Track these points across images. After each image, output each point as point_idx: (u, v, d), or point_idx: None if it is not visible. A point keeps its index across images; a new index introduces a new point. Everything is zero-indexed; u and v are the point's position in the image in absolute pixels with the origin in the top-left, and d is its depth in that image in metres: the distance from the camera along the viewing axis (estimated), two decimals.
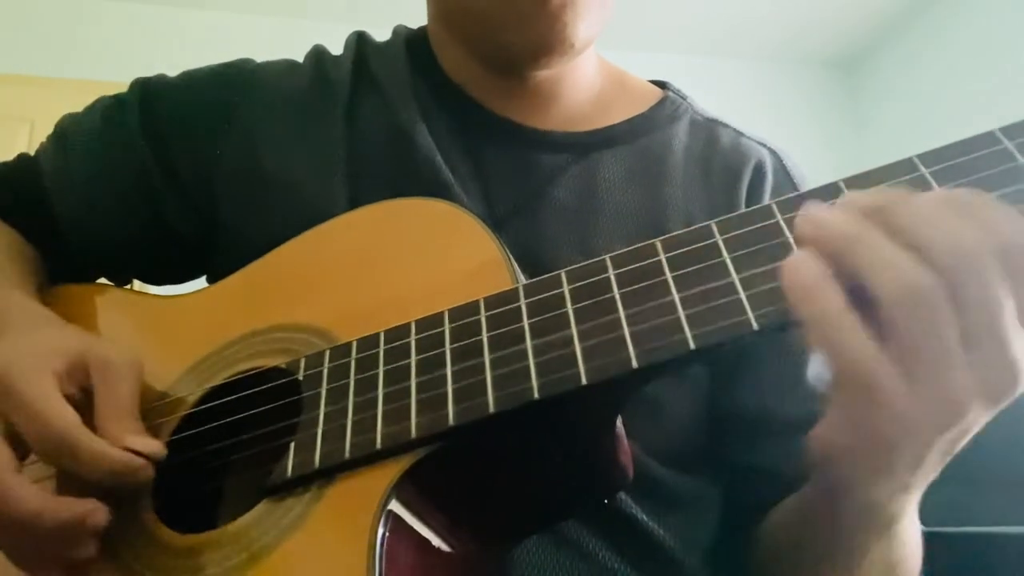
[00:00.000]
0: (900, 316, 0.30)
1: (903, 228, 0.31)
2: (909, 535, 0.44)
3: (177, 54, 1.16)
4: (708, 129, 0.66)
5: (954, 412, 0.31)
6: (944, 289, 0.30)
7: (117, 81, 0.71)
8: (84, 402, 0.45)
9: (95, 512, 0.41)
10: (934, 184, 0.34)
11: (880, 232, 0.32)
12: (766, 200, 0.61)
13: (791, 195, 0.37)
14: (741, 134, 0.67)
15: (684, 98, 0.68)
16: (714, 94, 0.75)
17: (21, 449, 0.44)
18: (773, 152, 0.66)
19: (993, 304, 0.30)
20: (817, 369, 0.57)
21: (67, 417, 0.42)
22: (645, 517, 0.52)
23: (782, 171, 0.65)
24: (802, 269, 0.32)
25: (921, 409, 0.31)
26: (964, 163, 0.34)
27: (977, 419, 0.32)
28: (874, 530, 0.42)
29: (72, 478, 0.44)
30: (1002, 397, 0.31)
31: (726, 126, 0.67)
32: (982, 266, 0.30)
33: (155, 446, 0.44)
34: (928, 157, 0.35)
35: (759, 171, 0.63)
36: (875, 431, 0.32)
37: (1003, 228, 0.30)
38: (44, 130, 0.70)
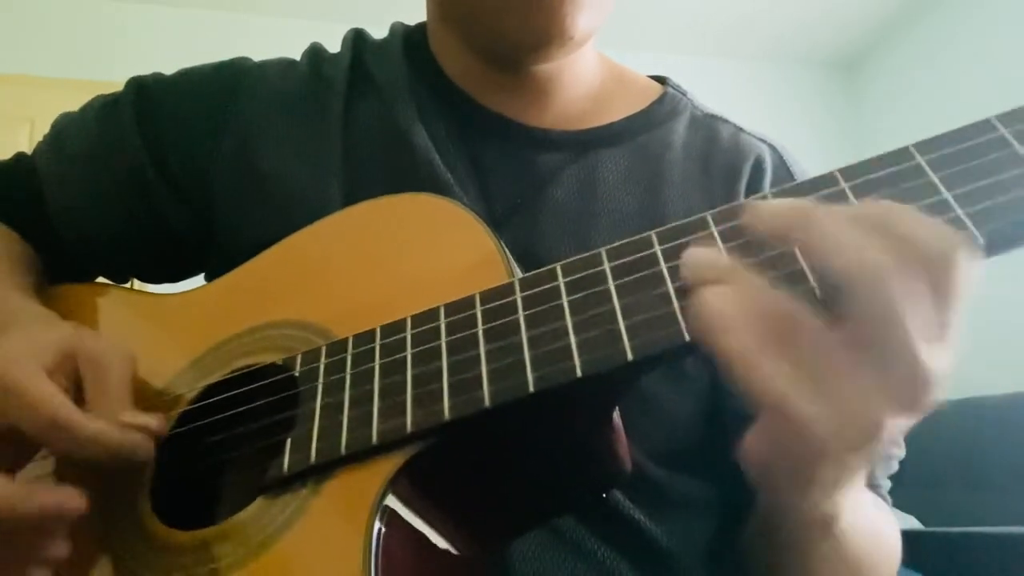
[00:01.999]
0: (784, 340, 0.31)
1: (806, 249, 0.32)
2: (860, 528, 0.44)
3: (176, 54, 1.16)
4: (708, 125, 0.66)
5: (863, 427, 0.30)
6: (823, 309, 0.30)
7: (117, 81, 0.71)
8: (76, 395, 0.45)
9: (72, 499, 0.41)
10: (930, 173, 0.33)
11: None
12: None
13: (788, 185, 0.37)
14: (741, 130, 0.67)
15: (684, 94, 0.68)
16: (714, 94, 0.74)
17: (21, 452, 0.44)
18: (773, 148, 0.66)
19: (891, 319, 0.29)
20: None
21: (60, 400, 0.42)
22: (643, 517, 0.52)
23: (782, 166, 0.65)
24: (712, 304, 0.32)
25: (828, 429, 0.30)
26: (960, 151, 0.34)
27: (897, 428, 0.31)
28: (817, 531, 0.42)
29: (67, 474, 0.44)
30: (915, 407, 0.30)
31: (726, 122, 0.67)
32: (877, 282, 0.29)
33: (152, 420, 0.44)
34: (925, 146, 0.35)
35: (758, 167, 0.63)
36: (790, 450, 0.32)
37: (911, 241, 0.30)
38: (44, 130, 0.70)
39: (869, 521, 0.47)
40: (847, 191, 0.35)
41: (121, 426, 0.43)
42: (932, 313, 0.30)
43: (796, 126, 3.04)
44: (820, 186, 0.36)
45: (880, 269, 0.29)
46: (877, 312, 0.29)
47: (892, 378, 0.30)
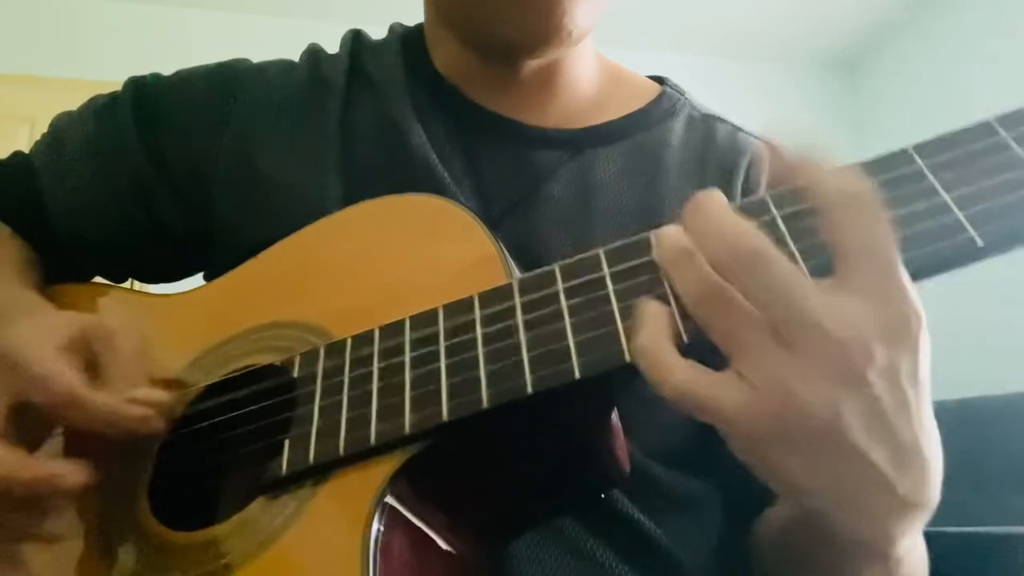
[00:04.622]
0: (701, 316, 0.33)
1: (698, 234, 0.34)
2: (917, 559, 0.41)
3: (176, 54, 1.16)
4: (705, 124, 0.66)
5: (792, 403, 0.31)
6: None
7: (117, 81, 0.71)
8: (90, 373, 0.45)
9: (70, 473, 0.41)
10: (929, 176, 0.33)
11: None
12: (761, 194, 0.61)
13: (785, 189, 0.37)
14: (738, 129, 0.67)
15: (682, 94, 0.68)
16: (714, 94, 0.75)
17: (33, 431, 0.44)
18: None
19: (781, 291, 0.31)
20: None
21: (70, 375, 0.43)
22: (642, 517, 0.52)
23: None
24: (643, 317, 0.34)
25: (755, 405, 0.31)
26: (959, 153, 0.34)
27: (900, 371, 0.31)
28: (866, 559, 0.38)
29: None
30: (844, 374, 0.30)
31: (724, 121, 0.67)
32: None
33: (163, 395, 0.45)
34: (924, 148, 0.34)
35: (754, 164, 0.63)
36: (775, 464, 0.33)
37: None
38: (44, 130, 0.70)
39: (919, 553, 0.42)
40: None
41: (130, 400, 0.44)
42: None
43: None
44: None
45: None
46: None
47: (805, 350, 0.31)
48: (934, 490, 0.34)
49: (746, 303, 0.32)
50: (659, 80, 0.70)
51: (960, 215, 0.32)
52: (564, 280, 0.39)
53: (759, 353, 0.31)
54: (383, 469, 0.38)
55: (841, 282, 0.31)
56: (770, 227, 0.34)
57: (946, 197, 0.33)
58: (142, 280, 0.74)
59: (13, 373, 0.43)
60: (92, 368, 0.45)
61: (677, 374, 0.32)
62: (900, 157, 0.35)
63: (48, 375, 0.43)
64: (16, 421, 0.43)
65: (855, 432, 0.31)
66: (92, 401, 0.43)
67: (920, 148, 0.34)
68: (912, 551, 0.38)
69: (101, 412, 0.43)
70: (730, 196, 0.60)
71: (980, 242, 0.32)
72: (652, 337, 0.33)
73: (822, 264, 0.32)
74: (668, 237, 0.35)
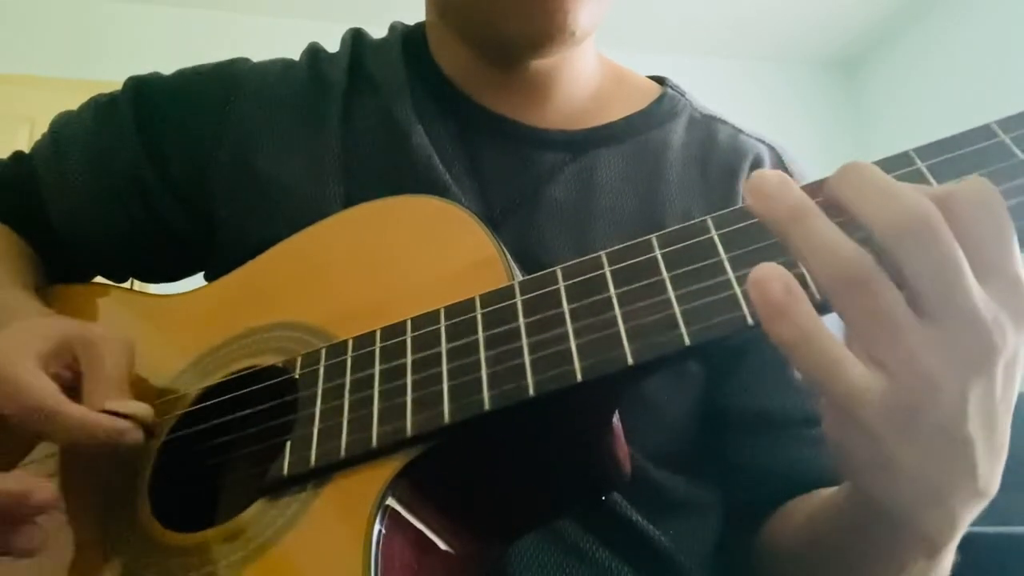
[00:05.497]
0: (837, 301, 0.29)
1: (841, 208, 0.30)
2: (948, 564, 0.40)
3: (176, 54, 1.16)
4: (706, 126, 0.66)
5: (928, 389, 0.29)
6: (872, 263, 0.29)
7: (117, 81, 0.71)
8: (73, 382, 0.45)
9: (39, 491, 0.39)
10: (930, 178, 0.33)
11: (813, 217, 0.30)
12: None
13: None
14: (739, 131, 0.67)
15: (683, 94, 0.68)
16: (714, 94, 0.74)
17: (16, 445, 0.44)
18: (772, 148, 0.66)
19: (950, 265, 0.28)
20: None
21: (46, 388, 0.42)
22: (642, 519, 0.52)
23: (781, 167, 0.64)
24: (768, 284, 0.30)
25: (882, 397, 0.29)
26: (960, 156, 0.34)
27: (963, 396, 0.29)
28: (923, 552, 0.37)
29: (68, 474, 0.43)
30: (983, 360, 0.29)
31: (724, 123, 0.67)
32: (929, 230, 0.28)
33: (139, 407, 0.44)
34: (924, 151, 0.34)
35: (757, 166, 0.63)
36: (862, 457, 0.31)
37: (935, 191, 0.30)
38: (44, 130, 0.70)
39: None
40: None
41: (107, 412, 0.43)
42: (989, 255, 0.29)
43: (796, 127, 3.04)
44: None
45: (930, 215, 0.28)
46: (933, 260, 0.28)
47: (953, 332, 0.29)
48: (998, 483, 0.33)
49: (891, 285, 0.29)
50: (660, 81, 0.70)
51: None
52: (566, 282, 0.39)
53: (905, 335, 0.29)
54: (385, 471, 0.38)
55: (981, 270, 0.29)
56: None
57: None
58: (142, 280, 0.74)
59: None
60: (74, 377, 0.45)
61: (851, 368, 0.29)
62: (900, 160, 0.35)
63: (22, 387, 0.42)
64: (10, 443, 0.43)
65: (973, 423, 0.30)
66: (66, 414, 0.42)
67: (920, 150, 0.34)
68: (954, 546, 0.38)
69: (74, 425, 0.42)
70: (732, 199, 0.61)
71: None
72: (804, 323, 0.29)
73: None
74: (774, 184, 0.31)
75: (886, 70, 3.24)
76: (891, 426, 0.30)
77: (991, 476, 0.32)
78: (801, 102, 3.30)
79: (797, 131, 2.97)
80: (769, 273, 0.30)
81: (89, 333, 0.47)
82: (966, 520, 0.34)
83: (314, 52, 0.69)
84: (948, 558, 0.38)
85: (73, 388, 0.45)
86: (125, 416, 0.43)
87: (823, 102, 3.34)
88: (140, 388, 0.50)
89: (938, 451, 0.30)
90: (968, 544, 0.38)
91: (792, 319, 0.29)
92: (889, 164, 0.35)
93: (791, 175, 0.64)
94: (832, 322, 0.31)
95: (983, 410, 0.30)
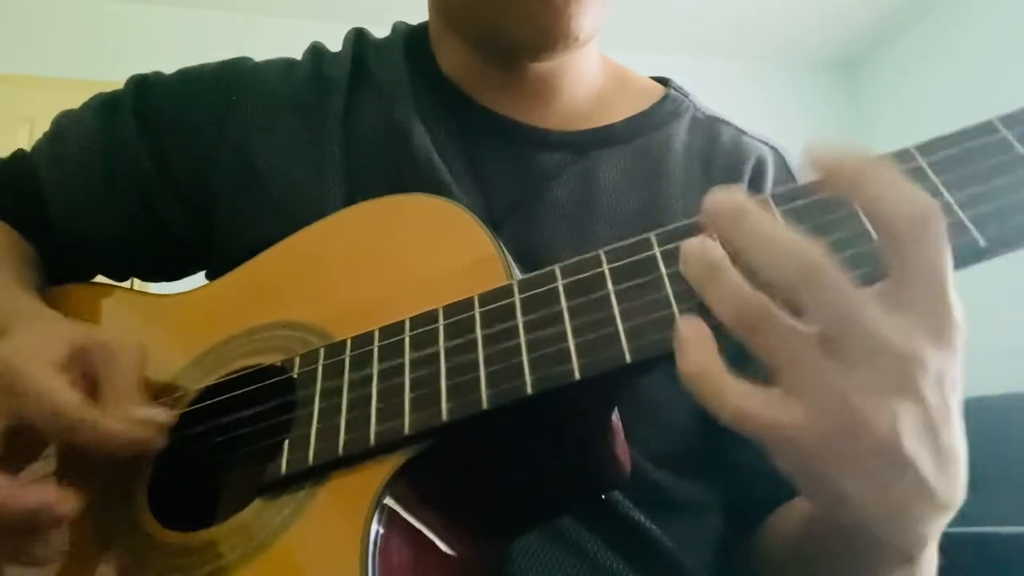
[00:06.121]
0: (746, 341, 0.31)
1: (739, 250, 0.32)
2: (931, 559, 0.41)
3: (177, 54, 1.16)
4: (709, 127, 0.66)
5: (853, 423, 0.30)
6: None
7: (117, 81, 0.71)
8: (88, 388, 0.45)
9: (63, 501, 0.40)
10: (932, 176, 0.33)
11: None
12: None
13: (791, 186, 0.37)
14: (742, 132, 0.67)
15: (686, 96, 0.68)
16: (715, 94, 0.74)
17: (30, 450, 0.44)
18: (774, 149, 0.66)
19: (841, 307, 0.30)
20: None
21: (72, 395, 0.42)
22: (643, 519, 0.52)
23: (784, 168, 0.65)
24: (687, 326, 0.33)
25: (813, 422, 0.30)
26: (961, 153, 0.34)
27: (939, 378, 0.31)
28: (896, 562, 0.38)
29: (68, 472, 0.43)
30: (902, 386, 0.30)
31: (727, 124, 0.67)
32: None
33: (163, 414, 0.44)
34: (926, 148, 0.34)
35: (759, 168, 0.63)
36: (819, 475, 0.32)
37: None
38: (44, 130, 0.70)
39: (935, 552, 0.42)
40: None
41: (132, 420, 0.43)
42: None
43: (796, 127, 3.03)
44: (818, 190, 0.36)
45: (812, 265, 0.30)
46: (827, 304, 0.30)
47: (866, 366, 0.30)
48: (963, 490, 0.34)
49: (789, 318, 0.31)
50: (663, 82, 0.70)
51: (962, 215, 0.32)
52: (564, 280, 0.39)
53: (811, 368, 0.30)
54: (382, 470, 0.38)
55: (896, 293, 0.31)
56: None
57: (948, 197, 0.33)
58: (143, 279, 0.74)
59: (11, 392, 0.43)
60: (91, 383, 0.45)
61: (732, 398, 0.31)
62: (902, 156, 0.34)
63: (46, 396, 0.42)
64: (11, 442, 0.43)
65: (910, 442, 0.30)
66: (94, 425, 0.42)
67: (922, 147, 0.34)
68: (933, 551, 0.39)
69: (103, 435, 0.42)
70: None
71: (983, 242, 0.31)
72: (698, 360, 0.32)
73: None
74: (694, 250, 0.34)
75: (886, 70, 3.24)
76: (827, 457, 0.31)
77: (950, 487, 0.33)
78: (801, 102, 3.29)
79: (797, 131, 2.95)
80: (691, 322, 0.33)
81: (103, 338, 0.47)
82: (935, 530, 0.35)
83: (316, 51, 0.69)
84: (930, 562, 0.39)
85: (89, 393, 0.44)
86: (151, 424, 0.43)
87: (823, 102, 3.34)
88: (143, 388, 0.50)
89: (880, 474, 0.31)
90: (969, 544, 0.39)
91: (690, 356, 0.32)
92: (891, 161, 0.35)
93: (794, 176, 0.65)
94: None
95: (918, 430, 0.31)
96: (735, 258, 0.33)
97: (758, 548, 0.55)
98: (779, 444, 0.32)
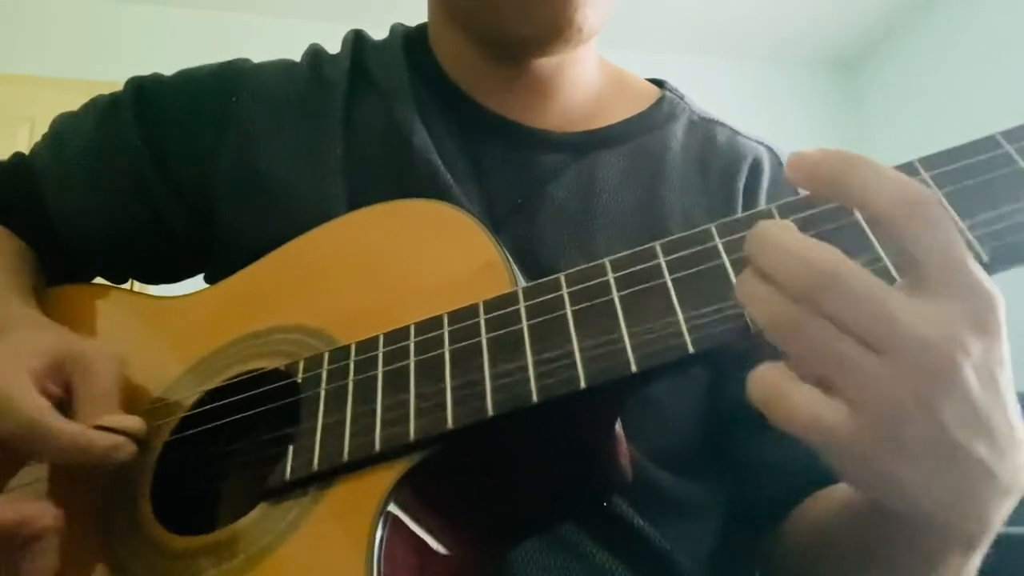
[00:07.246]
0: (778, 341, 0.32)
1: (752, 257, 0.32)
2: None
3: (176, 54, 1.16)
4: (705, 129, 0.66)
5: (897, 416, 0.30)
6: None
7: (117, 81, 0.71)
8: (66, 398, 0.45)
9: (41, 516, 0.40)
10: (935, 189, 0.33)
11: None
12: (762, 198, 0.62)
13: (791, 199, 0.37)
14: (738, 133, 0.67)
15: (682, 98, 0.68)
16: (714, 94, 0.75)
17: (13, 462, 0.44)
18: (770, 150, 0.66)
19: (868, 305, 0.30)
20: None
21: (38, 404, 0.42)
22: (643, 521, 0.52)
23: (779, 168, 0.65)
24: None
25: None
26: (964, 167, 0.34)
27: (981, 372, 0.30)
28: (957, 550, 0.37)
29: (65, 479, 0.43)
30: (944, 378, 0.30)
31: (723, 125, 0.67)
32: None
33: (131, 422, 0.44)
34: (928, 161, 0.34)
35: (755, 169, 0.63)
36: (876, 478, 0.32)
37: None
38: (44, 130, 0.70)
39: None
40: None
41: (99, 427, 0.43)
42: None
43: (796, 127, 3.04)
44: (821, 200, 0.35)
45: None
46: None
47: (905, 360, 0.30)
48: None
49: (827, 323, 0.31)
50: (659, 84, 0.70)
51: (965, 228, 0.32)
52: (569, 288, 0.39)
53: (853, 368, 0.30)
54: (387, 476, 0.38)
55: (915, 283, 0.31)
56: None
57: (951, 211, 0.33)
58: (143, 281, 0.73)
59: None
60: (69, 392, 0.45)
61: (802, 408, 0.31)
62: (905, 169, 0.34)
63: (15, 405, 0.42)
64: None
65: (956, 431, 0.30)
66: (58, 432, 0.42)
67: (925, 160, 0.34)
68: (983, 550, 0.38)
69: (68, 443, 0.42)
70: (732, 201, 0.61)
71: (985, 257, 0.31)
72: (767, 372, 0.32)
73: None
74: (741, 280, 0.34)
75: (886, 70, 3.24)
76: (879, 448, 0.31)
77: (1014, 470, 0.32)
78: (801, 102, 3.29)
79: (797, 131, 2.98)
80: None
81: (80, 348, 0.47)
82: (998, 516, 0.35)
83: (315, 53, 0.69)
84: (982, 553, 0.38)
85: (65, 404, 0.44)
86: (118, 431, 0.43)
87: (823, 102, 3.34)
88: (140, 392, 0.50)
89: (934, 460, 0.31)
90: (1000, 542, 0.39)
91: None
92: None
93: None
94: None
95: (964, 418, 0.30)
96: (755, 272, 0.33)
97: (773, 547, 0.54)
98: (834, 449, 0.31)
